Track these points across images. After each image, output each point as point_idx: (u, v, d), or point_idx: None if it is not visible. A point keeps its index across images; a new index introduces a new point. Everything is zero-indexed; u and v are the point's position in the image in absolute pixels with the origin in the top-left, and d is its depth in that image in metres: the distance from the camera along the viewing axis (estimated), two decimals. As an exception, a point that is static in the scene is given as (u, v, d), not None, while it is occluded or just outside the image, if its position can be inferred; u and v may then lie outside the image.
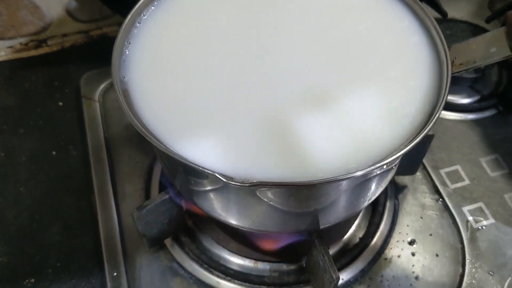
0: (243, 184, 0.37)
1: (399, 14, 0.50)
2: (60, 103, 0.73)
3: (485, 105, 0.72)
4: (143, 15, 0.49)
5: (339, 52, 0.47)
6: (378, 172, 0.43)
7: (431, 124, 0.39)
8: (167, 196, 0.51)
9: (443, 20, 0.76)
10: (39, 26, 0.76)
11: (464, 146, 0.69)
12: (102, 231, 0.60)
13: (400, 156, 0.38)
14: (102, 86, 0.73)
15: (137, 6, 0.48)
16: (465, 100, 0.73)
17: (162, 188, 0.62)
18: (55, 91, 0.74)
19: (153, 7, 0.49)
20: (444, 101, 0.42)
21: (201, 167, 0.37)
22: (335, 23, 0.50)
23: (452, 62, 0.44)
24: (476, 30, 0.80)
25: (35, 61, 0.78)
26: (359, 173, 0.37)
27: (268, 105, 0.42)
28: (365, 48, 0.47)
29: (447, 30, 0.79)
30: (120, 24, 0.46)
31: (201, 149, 0.40)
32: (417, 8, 0.49)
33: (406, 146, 0.39)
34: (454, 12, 0.84)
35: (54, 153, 0.68)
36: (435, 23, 0.47)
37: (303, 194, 0.42)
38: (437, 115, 0.40)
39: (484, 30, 0.80)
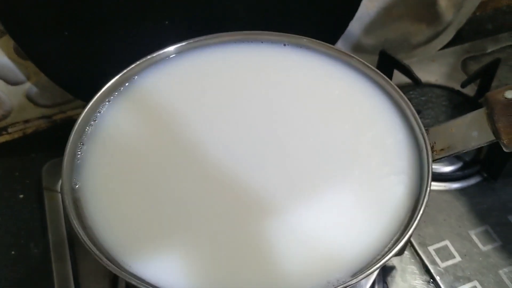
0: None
1: (372, 95, 0.47)
2: (21, 196, 0.68)
3: (468, 173, 0.70)
4: (99, 112, 0.45)
5: (310, 146, 0.44)
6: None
7: (415, 224, 0.36)
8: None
9: (417, 86, 0.75)
10: (-2, 114, 0.73)
11: (452, 219, 0.65)
12: None
13: (382, 264, 0.34)
14: (65, 176, 0.69)
15: (91, 102, 0.44)
16: (448, 168, 0.71)
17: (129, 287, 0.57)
18: (15, 182, 0.70)
19: (109, 101, 0.46)
20: (428, 191, 0.39)
21: (160, 291, 0.33)
22: (312, 116, 0.47)
23: (432, 148, 0.41)
24: (452, 94, 0.79)
25: (-5, 151, 0.74)
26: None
27: (234, 216, 0.39)
28: (338, 139, 0.44)
29: (421, 96, 0.78)
30: (84, 107, 0.43)
31: (161, 264, 0.36)
32: (389, 88, 0.47)
33: (389, 251, 0.35)
34: (428, 76, 0.82)
35: (13, 252, 0.63)
36: (411, 105, 0.44)
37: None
38: (421, 209, 0.37)
39: (460, 94, 0.79)
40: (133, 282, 0.33)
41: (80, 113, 0.43)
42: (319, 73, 0.49)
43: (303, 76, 0.49)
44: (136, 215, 0.38)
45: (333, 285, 0.34)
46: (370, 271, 0.34)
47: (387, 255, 0.35)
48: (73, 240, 0.62)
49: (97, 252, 0.34)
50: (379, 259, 0.35)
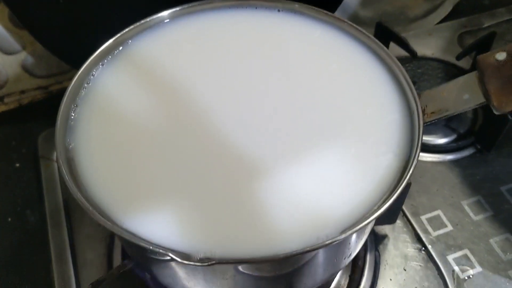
0: (202, 264, 0.33)
1: (364, 60, 0.47)
2: (17, 164, 0.69)
3: (462, 145, 0.70)
4: (92, 75, 0.45)
5: (302, 109, 0.44)
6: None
7: (403, 184, 0.36)
8: (126, 268, 0.47)
9: (413, 58, 0.75)
10: (-6, 84, 0.73)
11: (444, 189, 0.66)
12: (61, 304, 0.55)
13: (373, 219, 0.35)
14: (61, 145, 0.69)
15: (85, 64, 0.44)
16: (442, 140, 0.71)
17: (125, 253, 0.57)
18: (11, 151, 0.70)
19: (102, 65, 0.46)
20: (417, 153, 0.39)
21: (153, 245, 0.33)
22: (304, 80, 0.46)
23: (424, 111, 0.42)
24: (448, 67, 0.79)
25: (-9, 120, 0.74)
26: (328, 242, 0.34)
27: (227, 171, 0.39)
28: (329, 102, 0.44)
29: (417, 69, 0.78)
30: (78, 69, 0.43)
31: (155, 222, 0.36)
32: (382, 52, 0.47)
33: (379, 207, 0.36)
34: (424, 49, 0.82)
35: (10, 219, 0.63)
36: (403, 69, 0.44)
37: (272, 265, 0.38)
38: (411, 168, 0.38)
39: (456, 67, 0.79)
40: (127, 237, 0.34)
41: (73, 75, 0.43)
42: (312, 39, 0.49)
43: (297, 42, 0.49)
44: (129, 174, 0.39)
45: (322, 240, 0.34)
46: (358, 227, 0.35)
47: (375, 213, 0.35)
48: (69, 207, 0.63)
49: (92, 209, 0.35)
50: (367, 217, 0.36)
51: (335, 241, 0.34)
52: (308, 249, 0.33)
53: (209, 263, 0.33)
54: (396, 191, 0.36)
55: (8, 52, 0.70)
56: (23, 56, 0.71)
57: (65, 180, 0.36)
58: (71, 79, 0.75)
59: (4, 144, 0.71)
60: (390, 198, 0.36)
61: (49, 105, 0.74)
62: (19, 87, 0.75)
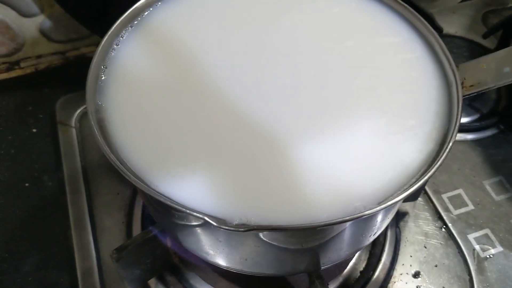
0: (237, 229, 0.32)
1: (399, 31, 0.46)
2: (34, 130, 0.68)
3: (485, 124, 0.69)
4: (122, 36, 0.44)
5: (338, 79, 0.42)
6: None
7: (444, 155, 0.35)
8: (151, 235, 0.46)
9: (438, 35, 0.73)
10: (11, 47, 0.71)
11: (466, 168, 0.65)
12: (79, 268, 0.55)
13: (413, 191, 0.34)
14: (79, 111, 0.68)
15: (114, 26, 0.43)
16: (465, 119, 0.70)
17: (144, 221, 0.57)
18: (28, 116, 0.69)
19: (132, 27, 0.45)
20: (456, 128, 0.38)
21: (189, 210, 0.33)
22: (335, 48, 0.45)
23: (462, 84, 0.40)
24: (472, 46, 0.77)
25: (7, 85, 0.73)
26: (367, 212, 0.33)
27: (260, 138, 0.38)
28: (364, 74, 0.43)
29: (442, 46, 0.76)
30: (107, 32, 0.42)
31: (188, 187, 0.35)
32: (419, 23, 0.45)
33: (418, 180, 0.35)
34: (448, 27, 0.81)
35: (27, 184, 0.63)
36: (440, 40, 0.43)
37: (303, 235, 0.38)
38: (450, 143, 0.37)
39: (480, 46, 0.77)
40: (162, 199, 0.33)
41: (102, 39, 0.42)
42: (343, 4, 0.48)
43: (325, 8, 0.48)
44: (160, 137, 0.38)
45: (360, 211, 0.33)
46: (395, 200, 0.34)
47: (410, 189, 0.34)
48: (87, 174, 0.62)
49: (124, 170, 0.34)
50: (402, 191, 0.35)
51: (372, 213, 0.33)
52: (347, 218, 0.33)
53: (246, 229, 0.32)
54: (435, 164, 0.35)
55: (26, 15, 0.68)
56: (40, 19, 0.70)
57: (97, 141, 0.35)
58: (89, 45, 0.76)
59: (21, 109, 0.70)
60: (427, 173, 0.35)
61: (66, 71, 0.74)
62: (35, 51, 0.74)
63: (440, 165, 0.35)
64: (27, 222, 0.59)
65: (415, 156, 0.38)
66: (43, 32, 0.71)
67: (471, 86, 0.41)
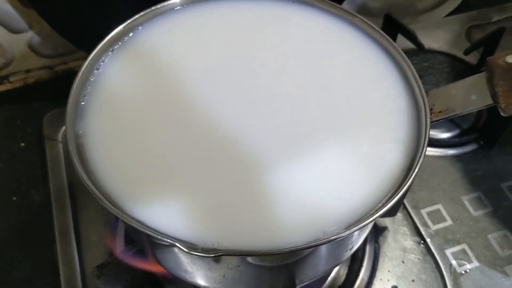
0: (207, 254, 0.33)
1: (372, 54, 0.47)
2: (22, 144, 0.69)
3: (465, 140, 0.70)
4: (102, 61, 0.45)
5: (307, 102, 0.44)
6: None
7: (411, 179, 0.37)
8: (130, 253, 0.48)
9: (420, 51, 0.75)
10: (0, 62, 0.72)
11: (445, 184, 0.67)
12: (64, 282, 0.56)
13: (375, 219, 0.35)
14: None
15: (95, 51, 0.44)
16: (445, 135, 0.71)
17: (128, 238, 0.58)
18: (17, 130, 0.70)
19: (113, 51, 0.46)
20: (424, 152, 0.39)
21: (160, 235, 0.34)
22: (308, 73, 0.46)
23: (431, 110, 0.42)
24: (454, 62, 0.79)
25: (-4, 99, 0.74)
26: (334, 237, 0.34)
27: (235, 163, 0.39)
28: (335, 96, 0.44)
29: (424, 62, 0.78)
30: (88, 55, 0.43)
31: (162, 212, 0.37)
32: (392, 48, 0.47)
33: (384, 205, 0.36)
34: (432, 42, 0.82)
35: (14, 198, 0.64)
36: (412, 66, 0.44)
37: (276, 257, 0.39)
38: (417, 167, 0.38)
39: (462, 62, 0.79)
40: (134, 225, 0.34)
41: (84, 61, 0.43)
42: (323, 32, 0.49)
43: (309, 35, 0.49)
44: (138, 162, 0.39)
45: (331, 234, 0.35)
46: (363, 224, 0.35)
47: (380, 210, 0.36)
48: (73, 189, 0.63)
49: (99, 195, 0.35)
50: (372, 214, 0.36)
51: (341, 236, 0.34)
52: (313, 244, 0.34)
53: (215, 255, 0.33)
54: (402, 188, 0.37)
55: (15, 31, 0.70)
56: (29, 35, 0.71)
57: (75, 167, 0.37)
58: (77, 59, 0.77)
59: (9, 123, 0.71)
60: (396, 195, 0.36)
61: (55, 85, 0.76)
62: (24, 66, 0.75)
63: (407, 189, 0.36)
64: (14, 237, 0.60)
65: (386, 178, 0.39)
66: (32, 47, 0.73)
67: (440, 112, 0.42)
